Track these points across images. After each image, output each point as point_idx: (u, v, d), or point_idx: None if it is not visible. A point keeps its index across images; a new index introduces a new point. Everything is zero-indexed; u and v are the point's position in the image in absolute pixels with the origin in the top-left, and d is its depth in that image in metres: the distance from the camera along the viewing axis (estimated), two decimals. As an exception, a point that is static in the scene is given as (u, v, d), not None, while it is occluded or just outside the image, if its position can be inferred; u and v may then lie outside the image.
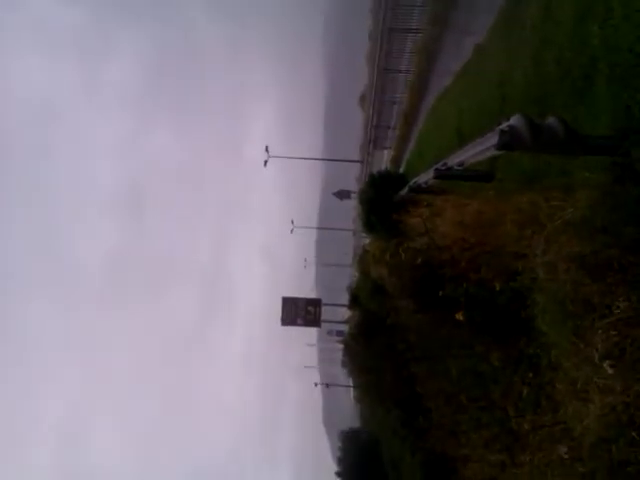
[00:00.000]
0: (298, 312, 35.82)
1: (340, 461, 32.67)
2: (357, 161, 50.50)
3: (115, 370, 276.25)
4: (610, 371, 4.23)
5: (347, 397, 73.70)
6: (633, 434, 4.13)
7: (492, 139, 6.44)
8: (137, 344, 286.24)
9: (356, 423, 38.81)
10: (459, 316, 9.50)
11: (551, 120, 4.87)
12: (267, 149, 47.31)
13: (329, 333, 71.62)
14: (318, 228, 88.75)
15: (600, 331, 4.35)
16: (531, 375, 7.39)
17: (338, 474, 32.55)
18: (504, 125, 5.52)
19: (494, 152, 6.47)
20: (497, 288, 8.15)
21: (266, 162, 48.27)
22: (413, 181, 14.47)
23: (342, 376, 42.47)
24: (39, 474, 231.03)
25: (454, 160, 9.69)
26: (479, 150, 7.67)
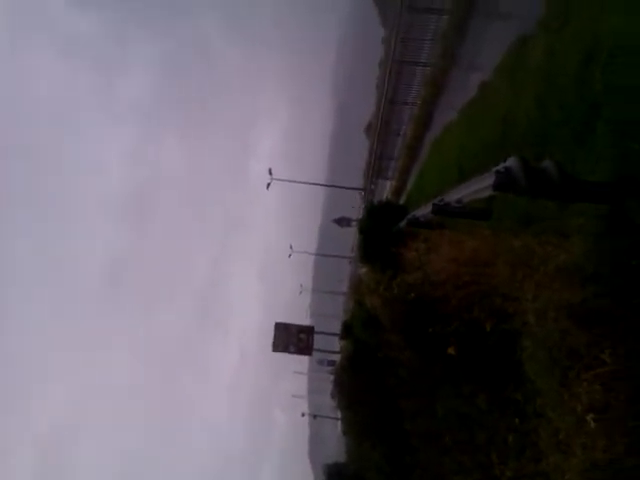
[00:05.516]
0: (290, 339, 35.44)
1: (323, 496, 31.95)
2: (359, 189, 50.58)
3: (103, 384, 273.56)
4: (592, 425, 4.08)
5: (334, 430, 72.26)
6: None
7: (489, 179, 6.38)
8: (128, 360, 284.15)
9: (342, 457, 38.04)
10: (451, 350, 9.33)
11: (547, 163, 4.80)
12: (270, 172, 47.43)
13: (320, 363, 70.20)
14: (316, 254, 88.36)
15: (585, 383, 4.21)
16: (517, 421, 7.20)
17: (321, 509, 31.83)
18: (500, 166, 5.46)
19: (490, 192, 6.41)
20: (487, 329, 8.01)
21: (269, 185, 48.40)
22: (411, 214, 14.44)
23: (330, 408, 41.85)
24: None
25: (452, 196, 9.64)
26: (476, 189, 7.62)
